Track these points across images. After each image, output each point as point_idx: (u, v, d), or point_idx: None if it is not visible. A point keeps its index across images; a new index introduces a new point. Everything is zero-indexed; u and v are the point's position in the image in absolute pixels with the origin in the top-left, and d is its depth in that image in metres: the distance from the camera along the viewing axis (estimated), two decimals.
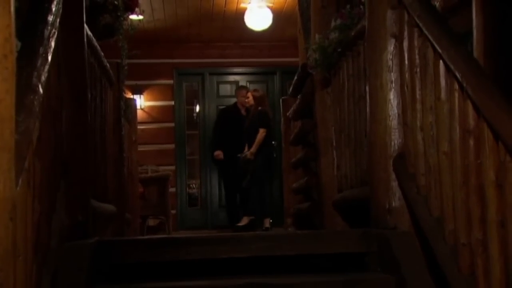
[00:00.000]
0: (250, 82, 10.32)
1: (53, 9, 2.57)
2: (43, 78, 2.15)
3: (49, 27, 2.43)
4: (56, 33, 2.49)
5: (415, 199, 2.71)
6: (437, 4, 5.66)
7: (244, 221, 7.80)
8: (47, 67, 2.24)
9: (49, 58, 2.30)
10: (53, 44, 2.40)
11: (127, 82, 5.95)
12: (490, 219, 2.04)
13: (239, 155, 7.88)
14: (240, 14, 8.58)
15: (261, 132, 7.62)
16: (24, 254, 1.84)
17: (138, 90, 9.65)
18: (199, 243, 2.89)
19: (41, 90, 2.09)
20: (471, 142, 2.20)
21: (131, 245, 2.91)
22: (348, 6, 3.83)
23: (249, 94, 8.15)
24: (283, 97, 7.69)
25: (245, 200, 8.08)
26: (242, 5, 8.46)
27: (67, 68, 2.88)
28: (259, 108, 7.94)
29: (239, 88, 9.11)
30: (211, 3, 8.42)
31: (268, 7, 8.38)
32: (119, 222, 4.69)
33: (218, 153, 8.33)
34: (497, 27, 4.29)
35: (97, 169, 3.77)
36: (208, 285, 2.61)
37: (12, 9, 1.30)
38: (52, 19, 2.51)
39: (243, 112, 8.52)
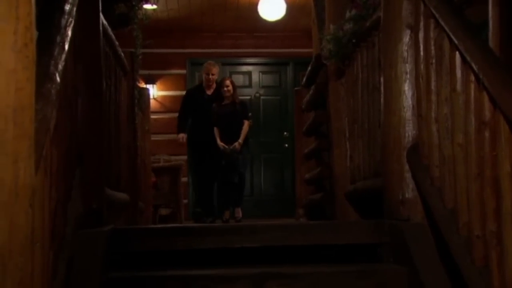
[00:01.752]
0: (263, 72, 10.33)
1: None
2: (60, 67, 2.17)
3: (66, 16, 2.45)
4: (72, 22, 2.51)
5: (428, 190, 2.71)
6: None
7: (228, 214, 7.50)
8: (64, 55, 2.26)
9: (66, 47, 2.32)
10: (70, 33, 2.42)
11: (141, 72, 5.99)
12: (505, 211, 2.04)
13: (223, 145, 7.29)
14: (254, 4, 8.56)
15: (248, 124, 7.43)
16: (41, 241, 1.87)
17: (151, 80, 9.66)
18: (212, 233, 2.91)
19: (58, 79, 2.11)
20: (487, 134, 2.19)
21: (145, 233, 2.94)
22: None
23: (228, 82, 7.55)
24: (296, 88, 7.70)
25: (228, 193, 7.54)
26: None
27: (83, 57, 2.90)
28: (239, 98, 7.73)
29: (208, 63, 7.79)
30: None
31: None
32: (132, 211, 4.72)
33: (182, 136, 7.62)
34: None
35: (111, 157, 3.79)
36: (221, 274, 2.63)
37: None
38: (69, 8, 2.52)
39: (208, 92, 7.66)
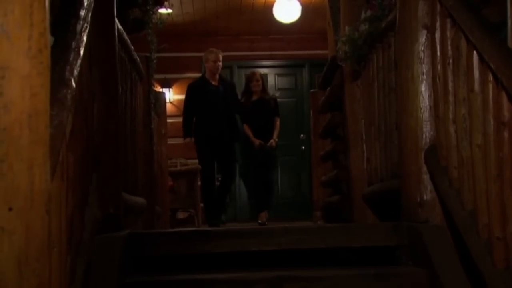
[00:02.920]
0: (279, 75, 10.32)
1: (85, 4, 2.60)
2: (75, 72, 2.17)
3: (81, 22, 2.46)
4: (88, 27, 2.51)
5: (447, 192, 2.68)
6: None
7: (264, 216, 7.18)
8: (79, 61, 2.26)
9: (81, 52, 2.32)
10: (85, 38, 2.42)
11: (157, 76, 5.98)
12: None
13: (261, 142, 6.99)
14: (269, 6, 8.56)
15: (279, 122, 7.16)
16: (58, 246, 1.87)
17: (167, 84, 9.69)
18: (229, 236, 2.90)
19: (73, 84, 2.12)
20: (506, 134, 2.17)
21: (162, 237, 2.94)
22: None
23: (258, 76, 7.20)
24: (312, 90, 7.68)
25: (262, 193, 7.20)
26: None
27: (99, 62, 2.90)
28: (270, 94, 7.46)
29: (212, 50, 7.05)
30: None
31: None
32: (149, 215, 4.73)
33: (188, 141, 6.96)
34: None
35: (128, 162, 3.80)
36: (238, 278, 2.62)
37: (47, 4, 1.31)
38: (84, 13, 2.53)
39: (214, 82, 6.95)
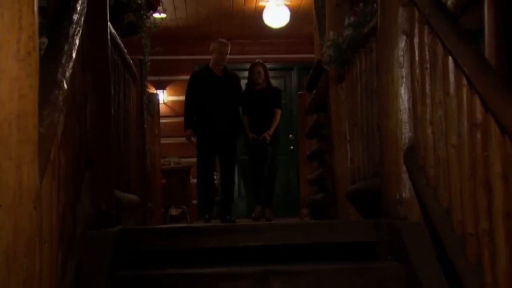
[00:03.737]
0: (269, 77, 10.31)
1: (78, 8, 2.60)
2: (67, 74, 2.17)
3: (74, 26, 2.46)
4: (80, 31, 2.51)
5: (424, 190, 2.70)
6: (449, 2, 5.63)
7: (258, 211, 6.80)
8: (71, 63, 2.26)
9: (74, 55, 2.32)
10: (77, 41, 2.42)
11: (151, 78, 5.93)
12: (497, 210, 2.02)
13: (252, 135, 6.59)
14: (259, 12, 8.58)
15: (279, 114, 6.59)
16: (49, 242, 1.87)
17: (161, 85, 9.69)
18: (217, 232, 2.90)
19: (65, 86, 2.11)
20: (479, 136, 2.18)
21: (152, 233, 2.93)
22: (361, 4, 3.80)
23: (260, 68, 6.74)
24: (299, 92, 7.68)
25: (260, 189, 6.83)
26: (261, 3, 8.46)
27: (92, 64, 2.89)
28: (272, 85, 6.91)
29: (222, 41, 6.70)
30: (231, 2, 8.43)
31: (286, 5, 8.39)
32: (142, 212, 4.73)
33: (190, 133, 6.49)
34: (508, 24, 4.26)
35: (121, 161, 3.79)
36: (225, 272, 2.62)
37: (36, 8, 1.31)
38: (77, 17, 2.53)
39: (218, 73, 6.60)
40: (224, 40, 6.71)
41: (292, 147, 9.91)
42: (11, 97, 1.24)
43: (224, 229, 2.98)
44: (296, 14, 8.53)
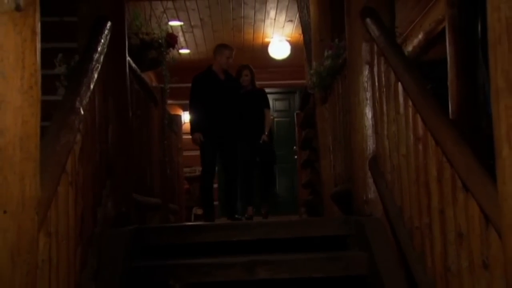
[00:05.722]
0: (276, 99, 10.40)
1: (99, 49, 2.64)
2: (84, 102, 2.21)
3: (93, 63, 2.50)
4: (99, 67, 2.55)
5: (384, 192, 2.69)
6: (420, 37, 5.62)
7: (251, 211, 5.86)
8: (89, 93, 2.30)
9: (91, 86, 2.36)
10: (95, 75, 2.46)
11: (179, 102, 5.81)
12: (433, 207, 2.03)
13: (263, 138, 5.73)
14: (265, 46, 8.70)
15: (269, 113, 5.81)
16: (67, 239, 1.90)
17: (186, 108, 9.74)
18: (215, 229, 2.92)
19: (82, 112, 2.15)
20: (420, 147, 2.18)
21: (163, 231, 2.96)
22: (336, 40, 3.82)
23: (247, 71, 5.88)
24: (296, 111, 7.69)
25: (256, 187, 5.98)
26: (266, 40, 8.58)
27: (113, 93, 2.93)
28: (256, 87, 6.05)
29: (221, 46, 5.81)
30: (242, 39, 8.53)
31: (287, 40, 8.51)
32: (164, 212, 4.75)
33: (199, 136, 5.40)
34: (465, 54, 4.32)
35: (143, 170, 3.83)
36: (220, 262, 2.63)
37: (38, 50, 1.34)
38: (97, 56, 2.57)
39: (221, 76, 5.58)
40: (229, 45, 5.89)
41: (296, 157, 9.91)
42: (15, 123, 1.27)
43: (221, 227, 2.99)
44: (296, 47, 8.56)
